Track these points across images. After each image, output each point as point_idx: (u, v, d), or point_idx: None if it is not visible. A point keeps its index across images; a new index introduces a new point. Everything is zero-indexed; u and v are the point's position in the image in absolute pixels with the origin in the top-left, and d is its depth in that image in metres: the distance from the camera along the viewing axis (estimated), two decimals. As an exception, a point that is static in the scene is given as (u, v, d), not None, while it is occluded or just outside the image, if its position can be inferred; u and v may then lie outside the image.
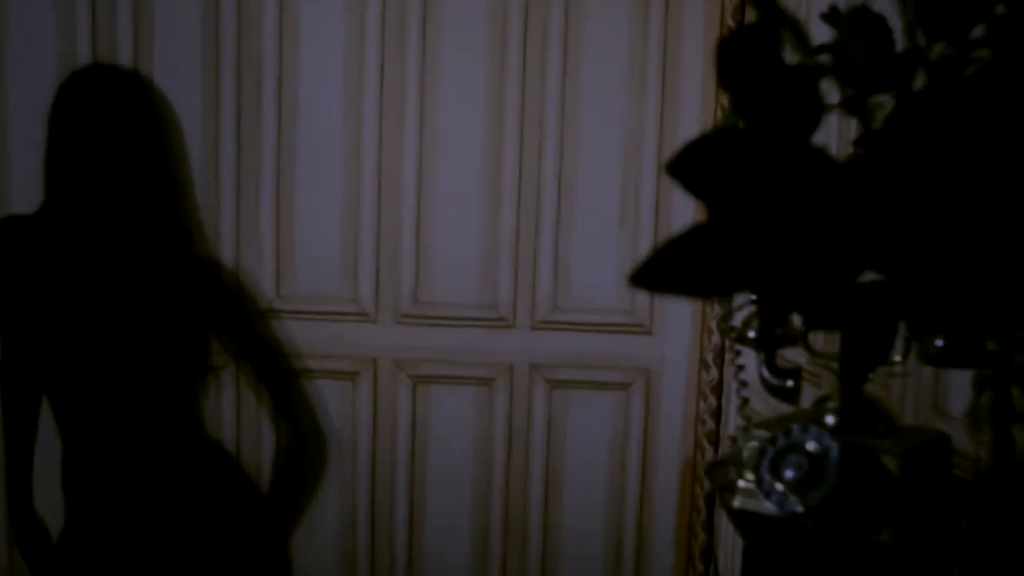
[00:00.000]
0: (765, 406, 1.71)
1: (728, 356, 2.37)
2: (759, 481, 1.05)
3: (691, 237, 0.59)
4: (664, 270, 0.59)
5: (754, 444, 1.09)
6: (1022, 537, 0.97)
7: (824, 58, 0.71)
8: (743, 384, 1.28)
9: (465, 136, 2.48)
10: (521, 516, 2.60)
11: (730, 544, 2.34)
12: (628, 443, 2.55)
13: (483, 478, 2.59)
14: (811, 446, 1.04)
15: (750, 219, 0.57)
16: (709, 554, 2.50)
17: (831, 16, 1.00)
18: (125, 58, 2.46)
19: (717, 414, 2.47)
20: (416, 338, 2.54)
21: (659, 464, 2.56)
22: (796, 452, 1.03)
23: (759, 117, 0.61)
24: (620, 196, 2.47)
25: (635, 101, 2.45)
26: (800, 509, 1.03)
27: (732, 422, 2.35)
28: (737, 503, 1.10)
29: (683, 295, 0.56)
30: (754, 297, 1.07)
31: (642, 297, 2.45)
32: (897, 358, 1.12)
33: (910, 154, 0.68)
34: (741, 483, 1.10)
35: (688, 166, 0.63)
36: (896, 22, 0.79)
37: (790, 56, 0.71)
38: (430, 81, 2.47)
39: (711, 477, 1.27)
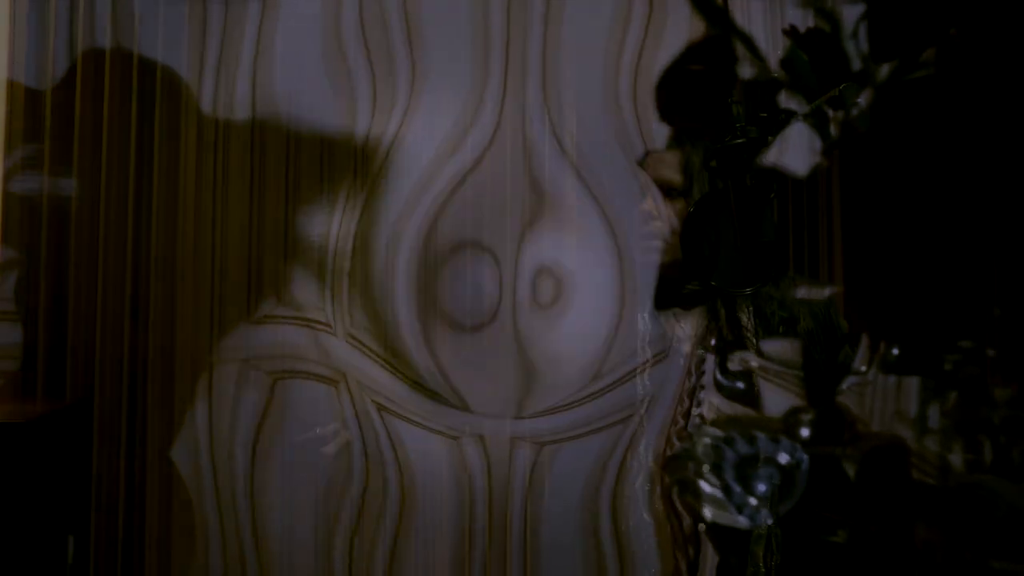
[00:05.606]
0: (730, 408, 1.73)
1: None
2: (728, 492, 1.07)
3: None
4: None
5: (707, 440, 1.11)
6: (981, 543, 0.99)
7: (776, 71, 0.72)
8: (700, 387, 1.31)
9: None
10: (502, 512, 2.60)
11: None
12: (601, 443, 2.56)
13: (464, 474, 2.59)
14: (783, 458, 1.06)
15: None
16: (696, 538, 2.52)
17: (790, 32, 1.02)
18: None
19: (687, 416, 2.49)
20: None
21: (632, 466, 2.57)
22: (768, 464, 1.05)
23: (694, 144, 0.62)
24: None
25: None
26: (771, 522, 1.04)
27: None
28: (707, 514, 1.12)
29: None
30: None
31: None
32: (862, 368, 1.14)
33: (862, 171, 0.70)
34: (706, 488, 1.12)
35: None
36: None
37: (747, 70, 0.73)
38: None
39: (669, 471, 1.29)
